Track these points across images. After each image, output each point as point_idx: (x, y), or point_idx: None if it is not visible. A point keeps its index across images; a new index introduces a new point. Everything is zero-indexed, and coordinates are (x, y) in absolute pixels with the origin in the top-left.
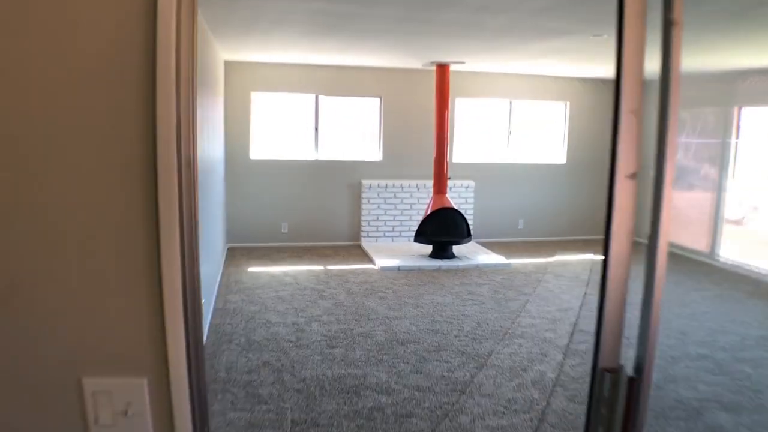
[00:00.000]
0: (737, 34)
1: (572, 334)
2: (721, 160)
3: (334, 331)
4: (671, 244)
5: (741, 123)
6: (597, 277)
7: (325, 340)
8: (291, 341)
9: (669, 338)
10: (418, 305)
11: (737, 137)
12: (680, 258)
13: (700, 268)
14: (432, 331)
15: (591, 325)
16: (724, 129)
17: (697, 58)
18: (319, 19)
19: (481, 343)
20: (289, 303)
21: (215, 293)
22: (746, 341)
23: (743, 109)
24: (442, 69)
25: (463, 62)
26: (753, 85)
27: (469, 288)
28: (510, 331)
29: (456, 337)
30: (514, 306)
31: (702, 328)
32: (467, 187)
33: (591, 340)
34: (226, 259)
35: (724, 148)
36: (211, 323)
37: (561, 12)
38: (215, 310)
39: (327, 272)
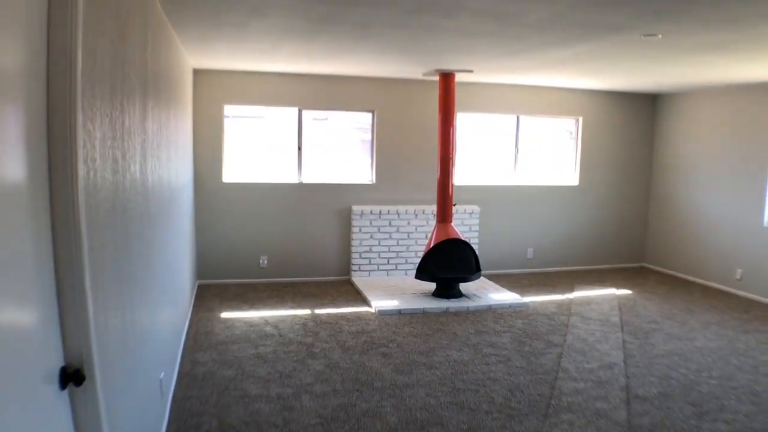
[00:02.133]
0: None
1: (628, 402)
2: None
3: (332, 409)
4: (697, 276)
5: None
6: (629, 319)
7: (321, 424)
8: (277, 426)
9: (742, 402)
10: (432, 365)
11: None
12: (710, 290)
13: (730, 301)
14: (455, 405)
15: (646, 389)
16: None
17: None
18: (303, 14)
19: (522, 422)
20: (271, 365)
21: (180, 350)
22: None
23: None
24: (447, 78)
25: (471, 71)
26: None
27: (487, 338)
28: (552, 402)
29: (488, 413)
30: (547, 363)
31: None
32: (471, 213)
33: (653, 411)
34: (196, 301)
35: None
36: (174, 397)
37: (622, 1)
38: (180, 376)
39: (315, 318)
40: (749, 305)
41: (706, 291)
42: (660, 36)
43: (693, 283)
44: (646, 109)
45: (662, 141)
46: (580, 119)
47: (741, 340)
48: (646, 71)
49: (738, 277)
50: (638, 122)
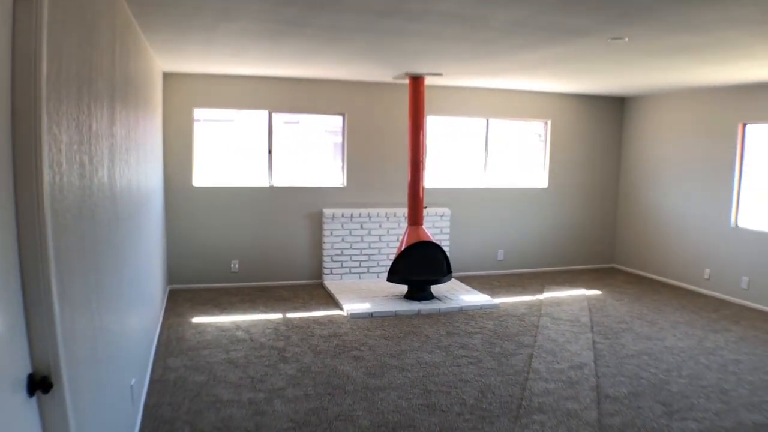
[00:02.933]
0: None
1: (598, 402)
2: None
3: (304, 413)
4: (666, 276)
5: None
6: (599, 319)
7: (293, 429)
8: (249, 431)
9: (711, 401)
10: (404, 367)
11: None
12: (679, 290)
13: (699, 301)
14: (427, 407)
15: (616, 388)
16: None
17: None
18: (272, 17)
19: (493, 423)
20: (243, 370)
21: (152, 356)
22: None
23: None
24: (417, 82)
25: (440, 74)
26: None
27: (458, 340)
28: (523, 402)
29: (459, 415)
30: (518, 363)
31: (742, 383)
32: (442, 216)
33: (624, 410)
34: (167, 306)
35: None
36: (145, 403)
37: (588, 5)
38: (151, 382)
39: (287, 322)
40: (718, 305)
41: (675, 291)
42: (626, 39)
43: (662, 283)
44: (613, 112)
45: (630, 143)
46: (549, 122)
47: (710, 339)
48: (613, 74)
49: (706, 276)
50: (606, 125)
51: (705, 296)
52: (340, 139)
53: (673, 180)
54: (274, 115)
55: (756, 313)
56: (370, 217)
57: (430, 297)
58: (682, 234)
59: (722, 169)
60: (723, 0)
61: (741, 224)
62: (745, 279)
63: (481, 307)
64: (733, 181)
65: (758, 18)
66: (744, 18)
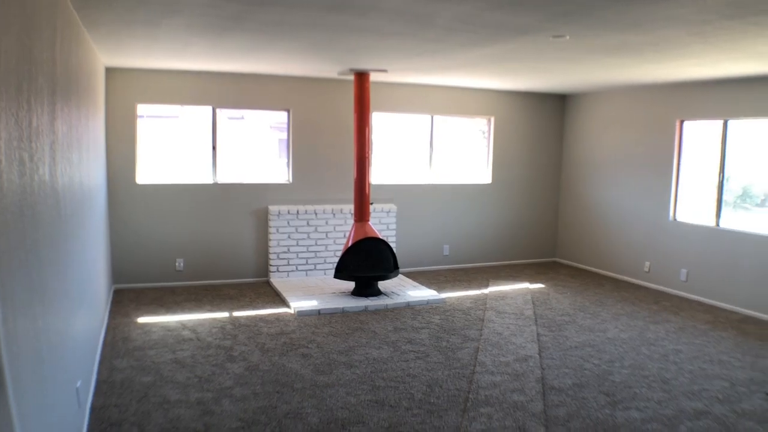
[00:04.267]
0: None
1: (544, 394)
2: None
3: (253, 412)
4: (607, 269)
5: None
6: (543, 312)
7: (242, 428)
8: (198, 431)
9: (653, 390)
10: (352, 364)
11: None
12: (620, 283)
13: (639, 293)
14: (376, 402)
15: (561, 380)
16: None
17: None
18: (215, 12)
19: (441, 417)
20: (190, 369)
21: (97, 358)
22: (737, 387)
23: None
24: (362, 78)
25: (385, 70)
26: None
27: (405, 335)
28: (470, 395)
29: (408, 410)
30: (464, 357)
31: (682, 372)
32: (388, 212)
33: (568, 401)
34: (112, 306)
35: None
36: (92, 406)
37: (530, 3)
38: (98, 383)
39: (233, 321)
40: (658, 296)
41: (617, 283)
42: (568, 37)
43: (604, 276)
44: (555, 109)
45: (571, 140)
46: (492, 119)
47: (651, 330)
48: (555, 72)
49: (647, 269)
50: (548, 121)
51: (645, 288)
52: (285, 135)
53: (614, 175)
54: (218, 110)
55: (695, 304)
56: (316, 214)
57: (377, 293)
58: (622, 228)
59: (661, 164)
60: None
61: (679, 218)
62: (684, 271)
63: (428, 302)
64: (671, 176)
65: (696, 17)
66: (682, 17)
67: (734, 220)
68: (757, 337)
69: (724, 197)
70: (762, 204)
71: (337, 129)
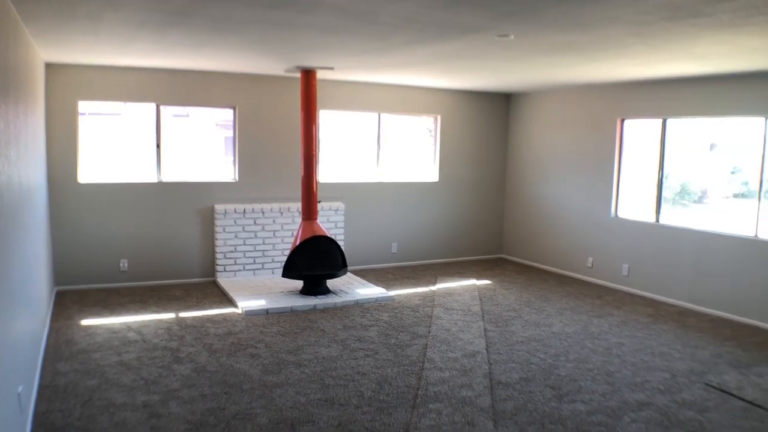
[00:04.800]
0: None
1: (492, 388)
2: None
3: (200, 414)
4: (552, 265)
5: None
6: (490, 308)
7: (190, 430)
8: None
9: (597, 383)
10: (301, 363)
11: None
12: (564, 279)
13: (583, 288)
14: (325, 401)
15: (508, 375)
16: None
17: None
18: (159, 6)
19: (391, 414)
20: (136, 372)
21: (40, 361)
22: (678, 378)
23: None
24: (308, 75)
25: (332, 68)
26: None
27: (354, 333)
28: (420, 392)
29: (358, 408)
30: (413, 354)
31: (625, 365)
32: (336, 210)
33: (516, 395)
34: (54, 309)
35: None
36: (35, 411)
37: (475, 2)
38: (41, 388)
39: (180, 322)
40: (600, 291)
41: (561, 279)
42: (512, 37)
43: (548, 272)
44: (500, 108)
45: (515, 138)
46: (439, 117)
47: (594, 324)
48: (501, 71)
49: (589, 265)
50: (493, 120)
51: (589, 283)
52: (231, 132)
53: (558, 173)
54: (162, 107)
55: (636, 298)
56: (263, 213)
57: (326, 291)
58: (566, 224)
59: (603, 162)
60: (602, 0)
61: (621, 214)
62: (625, 266)
63: (377, 299)
64: (612, 173)
65: (636, 18)
66: (623, 18)
67: (673, 216)
68: (696, 329)
69: (664, 194)
70: (699, 200)
71: (284, 127)
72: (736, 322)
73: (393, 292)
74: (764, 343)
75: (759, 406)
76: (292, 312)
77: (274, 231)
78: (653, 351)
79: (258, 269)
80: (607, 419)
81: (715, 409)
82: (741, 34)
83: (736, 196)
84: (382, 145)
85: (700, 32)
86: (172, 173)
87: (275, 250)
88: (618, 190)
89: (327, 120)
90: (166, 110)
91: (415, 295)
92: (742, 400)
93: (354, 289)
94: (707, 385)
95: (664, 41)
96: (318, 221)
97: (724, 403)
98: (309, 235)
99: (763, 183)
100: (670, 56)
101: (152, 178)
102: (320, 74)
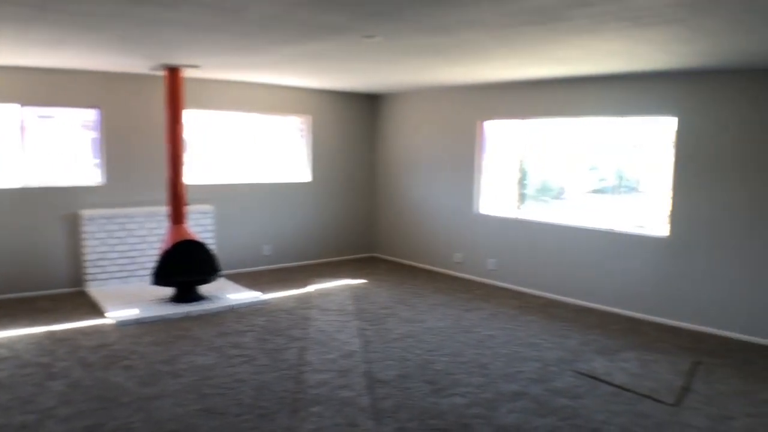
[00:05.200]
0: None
1: (370, 387)
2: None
3: (80, 431)
4: (422, 262)
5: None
6: (365, 307)
7: None
8: None
9: (472, 375)
10: (177, 373)
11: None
12: (435, 275)
13: (453, 283)
14: (205, 411)
15: (386, 372)
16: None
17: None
18: (16, 0)
19: (272, 420)
20: (9, 390)
21: None
22: (549, 367)
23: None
24: (174, 74)
25: (197, 66)
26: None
27: (230, 339)
28: (299, 396)
29: (238, 416)
30: (291, 357)
31: (498, 357)
32: (205, 213)
33: (395, 393)
34: None
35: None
36: None
37: (341, 2)
38: None
39: (51, 336)
40: (469, 285)
41: (431, 275)
42: (378, 38)
43: (419, 269)
44: (369, 108)
45: (384, 138)
46: (310, 117)
47: (465, 318)
48: (368, 72)
49: (458, 260)
50: (362, 121)
51: (458, 278)
52: (96, 133)
53: (425, 172)
54: (26, 108)
55: (503, 291)
56: (131, 218)
57: (198, 298)
58: (434, 222)
59: (467, 161)
60: (463, 3)
61: (486, 211)
62: (491, 261)
63: (251, 304)
64: (475, 171)
65: (497, 22)
66: (485, 21)
67: (535, 212)
68: (562, 318)
69: (526, 191)
70: (558, 196)
71: (150, 128)
72: (600, 310)
73: (267, 296)
74: (627, 329)
75: (627, 390)
76: (165, 320)
77: (143, 236)
78: (523, 342)
79: (128, 276)
80: (484, 411)
81: (587, 395)
82: (598, 39)
83: (593, 191)
84: (252, 146)
85: (559, 37)
86: (37, 177)
87: (145, 256)
88: (481, 187)
89: (196, 120)
90: (29, 111)
91: (290, 297)
92: (611, 384)
93: (227, 294)
94: (577, 372)
95: (524, 45)
96: (187, 225)
97: (594, 389)
98: (178, 239)
99: (618, 179)
100: (530, 60)
101: (14, 184)
102: (187, 73)
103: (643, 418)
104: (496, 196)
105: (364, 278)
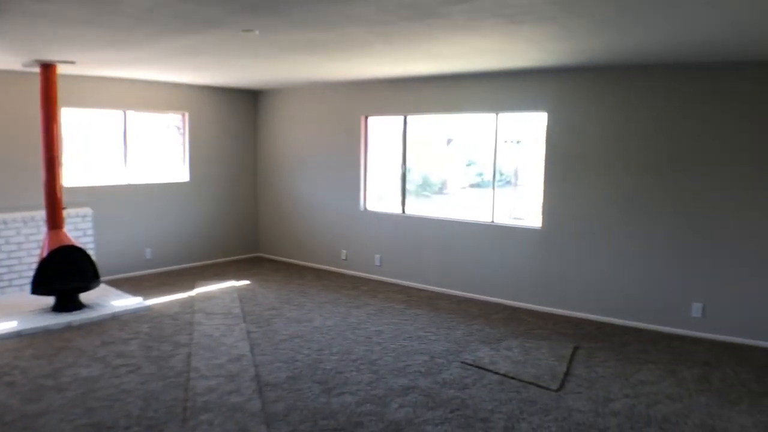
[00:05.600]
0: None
1: (260, 391)
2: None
3: None
4: (308, 260)
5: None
6: (251, 308)
7: None
8: None
9: (362, 372)
10: (61, 387)
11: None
12: (321, 273)
13: (340, 280)
14: (92, 426)
15: (275, 375)
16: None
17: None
18: None
19: (162, 430)
20: None
21: None
22: (437, 359)
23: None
24: (48, 70)
25: (73, 62)
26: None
27: (114, 348)
28: (188, 404)
29: (127, 429)
30: (178, 365)
31: (386, 352)
32: (84, 216)
33: (285, 395)
34: None
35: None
36: None
37: None
38: None
39: None
40: (356, 282)
41: (318, 273)
42: (257, 32)
43: (305, 267)
44: (249, 105)
45: (266, 135)
46: (187, 114)
47: (353, 315)
48: (248, 67)
49: (344, 257)
50: (243, 118)
51: (345, 275)
52: None
53: (309, 169)
54: None
55: (389, 286)
56: (6, 223)
57: (80, 306)
58: (319, 219)
59: (350, 158)
60: None
61: (370, 207)
62: (377, 257)
63: (135, 310)
64: (360, 168)
65: (377, 18)
66: (365, 17)
67: (417, 207)
68: (447, 310)
69: (408, 187)
70: (440, 191)
71: (25, 128)
72: (482, 301)
73: (151, 301)
74: (508, 318)
75: (512, 378)
76: (46, 332)
77: (19, 243)
78: (411, 335)
79: (5, 287)
80: (376, 408)
81: (474, 386)
82: (474, 36)
83: (472, 186)
84: (129, 145)
85: (437, 33)
86: None
87: (22, 264)
88: (366, 184)
89: (72, 119)
90: None
91: (174, 301)
92: (497, 373)
93: (109, 301)
94: (464, 363)
95: (404, 41)
96: (65, 230)
97: (481, 379)
98: (56, 245)
99: (496, 173)
100: (410, 56)
101: None
102: (62, 69)
103: (530, 405)
104: (380, 193)
105: (249, 279)
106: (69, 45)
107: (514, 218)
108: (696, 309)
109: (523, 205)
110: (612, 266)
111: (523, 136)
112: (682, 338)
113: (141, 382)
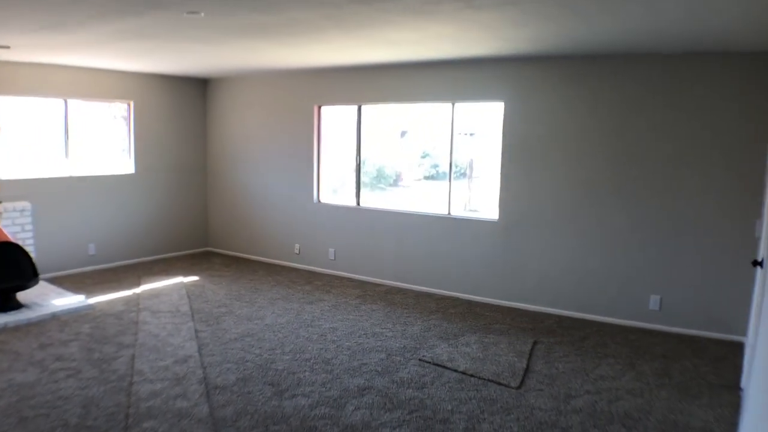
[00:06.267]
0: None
1: (208, 395)
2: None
3: None
4: (260, 254)
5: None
6: (200, 306)
7: None
8: None
9: (316, 372)
10: None
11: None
12: (273, 267)
13: (292, 275)
14: None
15: (224, 377)
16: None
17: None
18: None
19: None
20: None
21: None
22: (394, 357)
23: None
24: None
25: (8, 47)
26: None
27: (53, 351)
28: (131, 410)
29: None
30: (121, 368)
31: (341, 350)
32: (22, 211)
33: (234, 399)
34: None
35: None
36: None
37: None
38: None
39: None
40: (309, 277)
41: (270, 268)
42: (203, 14)
43: (257, 262)
44: (198, 94)
45: (214, 126)
46: (132, 103)
47: (306, 311)
48: (195, 53)
49: (297, 251)
50: (191, 107)
51: (298, 270)
52: None
53: (260, 161)
54: None
55: (344, 281)
56: None
57: (16, 306)
58: (271, 213)
59: (303, 149)
60: None
61: (324, 200)
62: (331, 250)
63: (76, 309)
64: (313, 160)
65: (327, 0)
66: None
67: (372, 200)
68: (403, 305)
69: (362, 179)
70: (394, 183)
71: None
72: (438, 295)
73: (93, 300)
74: (465, 312)
75: (472, 376)
76: None
77: None
78: (366, 332)
79: None
80: (330, 410)
81: (432, 384)
82: (430, 21)
83: (426, 178)
84: (71, 135)
85: (392, 18)
86: None
87: None
88: (319, 175)
89: (7, 108)
90: None
91: (119, 299)
92: (456, 371)
93: (49, 300)
94: (421, 360)
95: (357, 26)
96: (1, 225)
97: (439, 377)
98: None
99: (452, 165)
100: (364, 42)
101: None
102: None
103: (490, 404)
104: (335, 185)
105: (198, 275)
106: (3, 28)
107: (470, 210)
108: (654, 302)
109: (478, 198)
110: (570, 258)
111: (478, 128)
112: (640, 331)
113: (81, 387)
